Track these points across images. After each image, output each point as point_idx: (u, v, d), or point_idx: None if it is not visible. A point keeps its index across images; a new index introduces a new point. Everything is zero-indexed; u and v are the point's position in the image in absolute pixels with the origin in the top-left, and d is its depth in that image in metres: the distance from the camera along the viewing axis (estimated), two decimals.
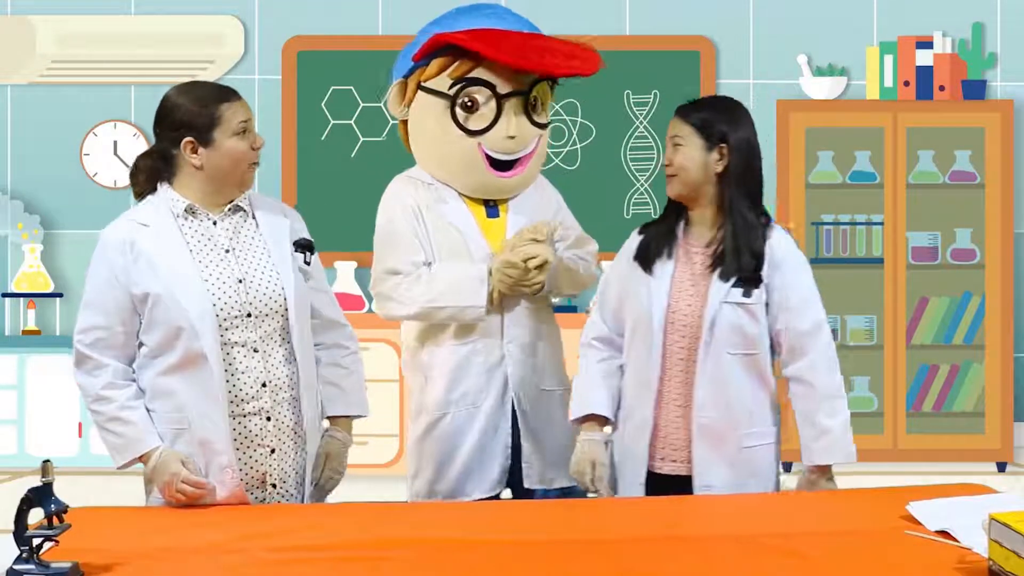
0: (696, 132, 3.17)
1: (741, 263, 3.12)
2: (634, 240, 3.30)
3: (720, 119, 3.17)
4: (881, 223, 6.62)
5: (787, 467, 5.81)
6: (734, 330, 3.12)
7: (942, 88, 6.70)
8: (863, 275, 6.60)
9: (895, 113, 6.60)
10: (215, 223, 3.00)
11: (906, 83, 6.73)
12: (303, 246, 3.11)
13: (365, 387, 3.24)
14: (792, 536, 2.55)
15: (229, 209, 3.02)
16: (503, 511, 3.01)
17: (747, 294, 3.11)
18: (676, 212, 3.25)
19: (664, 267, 3.20)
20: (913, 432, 6.64)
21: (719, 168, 3.15)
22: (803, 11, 6.98)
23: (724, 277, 3.13)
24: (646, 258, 3.23)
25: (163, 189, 3.01)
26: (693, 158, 3.16)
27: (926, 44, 6.74)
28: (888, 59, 6.75)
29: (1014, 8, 7.00)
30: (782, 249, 3.15)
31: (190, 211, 2.98)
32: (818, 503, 2.96)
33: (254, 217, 3.06)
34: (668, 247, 3.22)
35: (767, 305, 3.15)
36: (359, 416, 3.22)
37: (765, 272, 3.12)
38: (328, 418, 3.18)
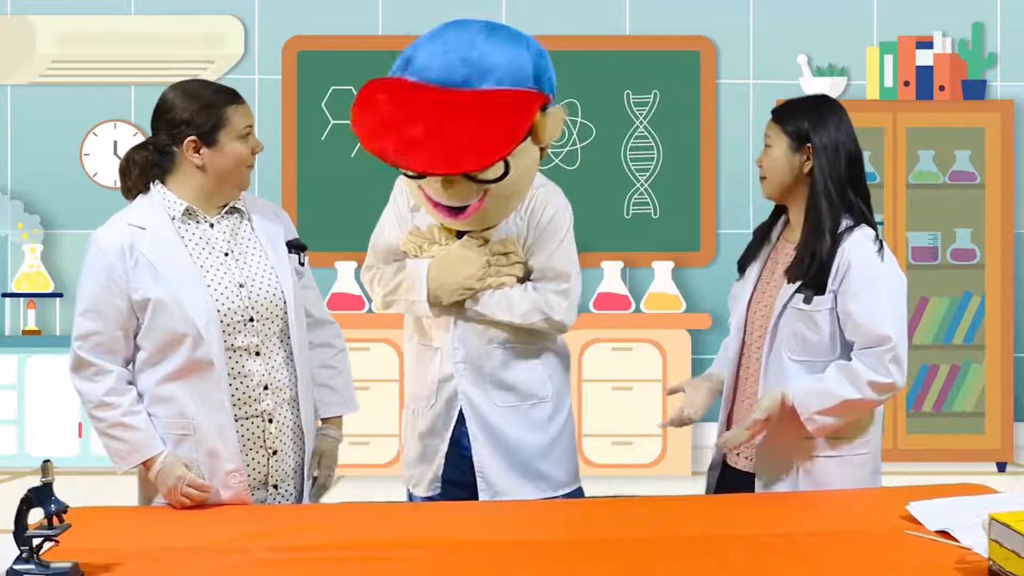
0: (783, 132, 3.11)
1: (804, 268, 3.04)
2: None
3: (805, 119, 3.08)
4: (881, 223, 6.60)
5: None
6: (794, 335, 3.05)
7: (942, 88, 6.70)
8: None
9: (895, 113, 6.60)
10: (212, 225, 2.98)
11: (906, 83, 6.73)
12: (297, 247, 3.11)
13: (353, 382, 3.27)
14: (793, 536, 2.55)
15: (226, 211, 3.01)
16: (503, 511, 3.00)
17: (807, 300, 3.03)
18: (778, 213, 3.23)
19: (752, 269, 3.22)
20: (913, 432, 6.64)
21: (806, 169, 3.08)
22: (803, 11, 6.98)
23: (790, 281, 3.07)
24: (742, 261, 3.26)
25: (157, 189, 2.97)
26: (780, 159, 3.10)
27: (926, 44, 6.74)
28: (888, 59, 6.75)
29: (1014, 8, 7.00)
30: (853, 256, 3.01)
31: (188, 214, 2.96)
32: (818, 503, 2.96)
33: (249, 220, 3.05)
34: (758, 249, 3.23)
35: (837, 313, 3.03)
36: (350, 412, 3.26)
37: (831, 279, 3.02)
38: (321, 419, 3.20)
